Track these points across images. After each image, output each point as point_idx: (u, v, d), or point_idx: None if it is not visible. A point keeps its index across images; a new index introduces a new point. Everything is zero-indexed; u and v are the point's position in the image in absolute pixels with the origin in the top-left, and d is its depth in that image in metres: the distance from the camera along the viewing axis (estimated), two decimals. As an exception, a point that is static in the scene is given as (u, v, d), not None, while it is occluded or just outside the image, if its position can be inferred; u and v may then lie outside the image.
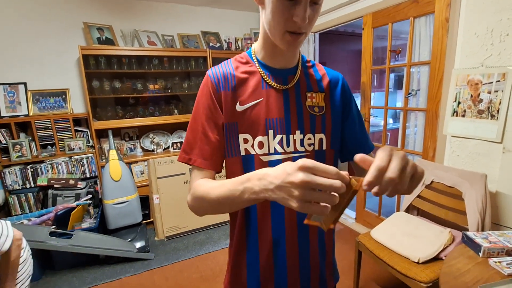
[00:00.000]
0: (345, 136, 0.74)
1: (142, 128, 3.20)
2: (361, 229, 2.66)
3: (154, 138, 3.15)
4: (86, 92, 2.69)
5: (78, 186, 2.54)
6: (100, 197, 2.70)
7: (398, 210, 2.28)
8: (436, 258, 1.47)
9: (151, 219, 2.84)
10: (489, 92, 1.59)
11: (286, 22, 0.56)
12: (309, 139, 0.67)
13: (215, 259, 2.32)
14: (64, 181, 2.51)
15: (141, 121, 3.01)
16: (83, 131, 2.84)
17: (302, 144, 0.67)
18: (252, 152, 0.65)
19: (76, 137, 2.76)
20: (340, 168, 0.44)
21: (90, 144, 2.85)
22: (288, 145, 0.66)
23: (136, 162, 3.00)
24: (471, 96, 1.68)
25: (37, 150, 2.64)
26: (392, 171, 0.38)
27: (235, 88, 0.66)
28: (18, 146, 2.51)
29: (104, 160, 2.86)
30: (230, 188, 0.53)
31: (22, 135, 2.63)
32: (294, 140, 0.66)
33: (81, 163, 2.73)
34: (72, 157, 2.68)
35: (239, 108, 0.65)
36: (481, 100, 1.63)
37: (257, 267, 0.69)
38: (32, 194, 2.53)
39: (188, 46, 3.23)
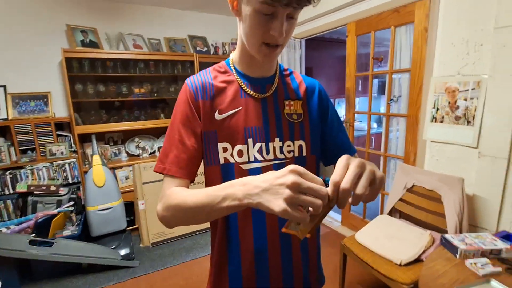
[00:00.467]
0: (326, 141, 0.75)
1: (127, 132, 3.14)
2: (347, 232, 2.70)
3: (140, 142, 3.10)
4: (69, 95, 2.62)
5: (59, 192, 2.46)
6: (83, 203, 2.62)
7: (382, 213, 2.34)
8: (418, 260, 1.51)
9: (136, 226, 2.79)
10: (465, 99, 1.66)
11: (263, 35, 0.57)
12: (289, 146, 0.69)
13: (202, 266, 2.30)
14: (44, 187, 2.43)
15: (126, 125, 2.96)
16: (65, 136, 2.77)
17: (282, 152, 0.68)
18: (232, 160, 0.65)
19: (58, 142, 2.68)
20: (325, 172, 0.45)
21: (72, 149, 2.78)
22: (267, 153, 0.67)
23: (121, 167, 2.94)
24: (449, 103, 1.75)
25: (16, 155, 2.55)
26: (346, 182, 0.41)
27: (213, 97, 0.67)
28: (-4, 151, 2.42)
29: (87, 166, 2.79)
30: (210, 194, 0.51)
31: (0, 139, 2.54)
32: (274, 148, 0.67)
33: (63, 168, 2.65)
34: (54, 163, 2.60)
35: (218, 117, 0.66)
36: (458, 107, 1.71)
37: (239, 277, 0.68)
38: (11, 201, 2.43)
39: (175, 50, 3.22)
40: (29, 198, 2.39)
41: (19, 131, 2.54)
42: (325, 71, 4.14)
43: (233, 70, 0.70)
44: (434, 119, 1.85)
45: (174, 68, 3.19)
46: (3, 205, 2.42)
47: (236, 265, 0.68)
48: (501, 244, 1.14)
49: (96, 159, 2.44)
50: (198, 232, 2.80)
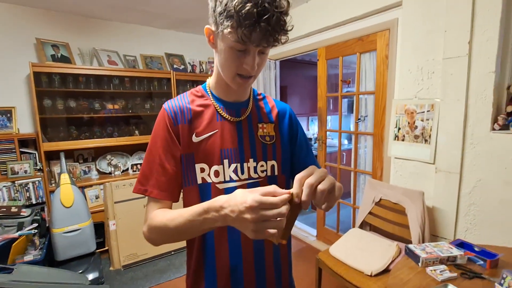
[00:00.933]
0: (295, 161, 0.82)
1: (99, 149, 3.03)
2: (322, 246, 2.77)
3: (112, 159, 3.01)
4: (36, 111, 2.50)
5: (21, 214, 2.29)
6: (47, 225, 2.46)
7: (354, 226, 2.45)
8: (387, 270, 1.61)
9: (106, 247, 2.65)
10: (422, 120, 1.85)
11: (237, 68, 0.63)
12: (262, 166, 0.74)
13: (177, 287, 2.23)
14: (4, 209, 2.25)
15: (98, 142, 2.87)
16: (30, 153, 2.61)
17: (255, 171, 0.73)
18: (209, 180, 0.69)
19: (21, 160, 2.53)
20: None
21: (38, 167, 2.62)
22: (242, 173, 0.71)
23: (91, 185, 2.81)
24: (408, 123, 1.93)
25: (-28, 174, 2.36)
26: (311, 178, 0.50)
27: (191, 120, 0.71)
28: (-51, 171, 2.22)
29: (54, 185, 2.64)
30: (189, 219, 0.56)
31: (-46, 158, 2.35)
32: (248, 168, 0.72)
33: (26, 188, 2.49)
34: (16, 182, 2.44)
35: (195, 139, 0.70)
36: (416, 127, 1.89)
37: None
38: (-37, 225, 2.22)
39: (151, 67, 3.22)
40: (-14, 221, 2.19)
41: (-22, 149, 2.37)
42: (298, 90, 4.33)
43: (210, 94, 0.75)
44: (396, 137, 2.02)
45: (150, 85, 3.18)
46: (-46, 229, 2.20)
47: (212, 282, 0.71)
48: (456, 252, 1.26)
49: (65, 178, 2.32)
50: (172, 252, 2.72)
